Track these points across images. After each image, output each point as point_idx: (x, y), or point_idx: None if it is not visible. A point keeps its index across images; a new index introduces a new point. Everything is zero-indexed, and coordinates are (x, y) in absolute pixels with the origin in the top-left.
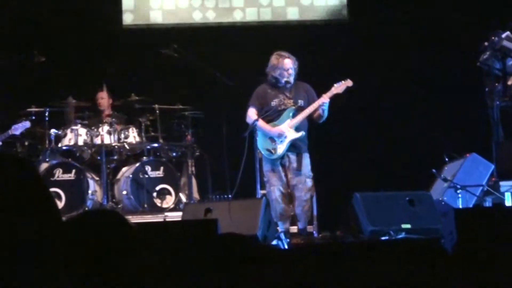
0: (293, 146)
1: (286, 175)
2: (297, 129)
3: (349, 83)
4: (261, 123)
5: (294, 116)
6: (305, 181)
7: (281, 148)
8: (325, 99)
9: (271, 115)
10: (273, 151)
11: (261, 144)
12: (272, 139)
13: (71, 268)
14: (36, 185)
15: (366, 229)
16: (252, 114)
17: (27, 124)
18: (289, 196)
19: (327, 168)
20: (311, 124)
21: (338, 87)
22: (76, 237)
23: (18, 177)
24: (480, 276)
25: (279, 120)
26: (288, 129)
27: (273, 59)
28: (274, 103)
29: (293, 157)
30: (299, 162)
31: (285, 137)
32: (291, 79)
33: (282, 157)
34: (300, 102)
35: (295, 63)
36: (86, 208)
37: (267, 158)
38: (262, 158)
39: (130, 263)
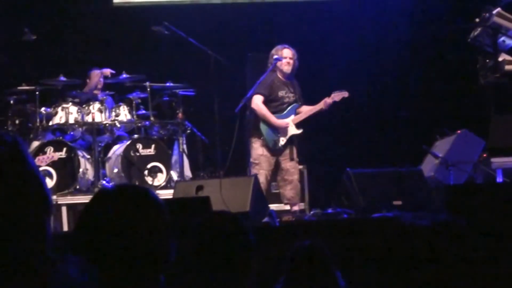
0: (291, 139)
1: (276, 162)
2: (297, 126)
3: (345, 94)
4: (267, 113)
5: (296, 113)
6: (295, 166)
7: (283, 141)
8: (326, 106)
9: (278, 106)
10: (277, 142)
11: (267, 133)
12: (275, 130)
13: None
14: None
15: (358, 206)
16: (259, 101)
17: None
18: (272, 177)
19: (318, 145)
20: None
21: (335, 96)
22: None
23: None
24: (471, 251)
25: (284, 114)
26: (291, 124)
27: (274, 50)
28: (281, 93)
29: (287, 145)
30: (292, 150)
31: (288, 131)
32: (289, 69)
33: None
34: (297, 98)
35: (294, 55)
36: (77, 187)
37: (265, 145)
38: (260, 143)
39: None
